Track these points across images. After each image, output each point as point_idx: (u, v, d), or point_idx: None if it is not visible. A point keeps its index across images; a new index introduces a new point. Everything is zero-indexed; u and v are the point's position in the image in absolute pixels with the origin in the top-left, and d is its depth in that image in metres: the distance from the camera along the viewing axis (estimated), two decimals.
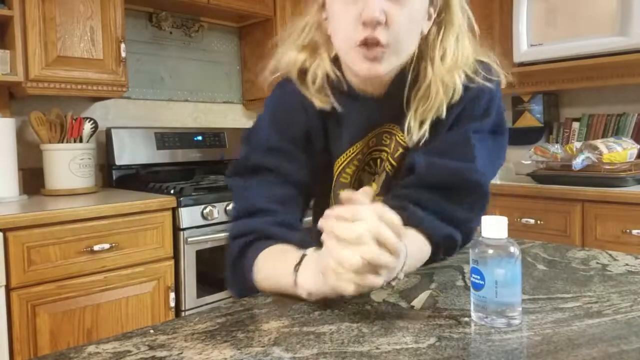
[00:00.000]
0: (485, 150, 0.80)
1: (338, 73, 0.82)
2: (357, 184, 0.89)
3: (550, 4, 2.24)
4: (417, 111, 0.79)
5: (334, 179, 0.89)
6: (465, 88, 0.78)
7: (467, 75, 0.78)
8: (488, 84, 0.79)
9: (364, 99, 0.83)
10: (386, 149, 0.86)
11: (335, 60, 0.83)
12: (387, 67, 0.75)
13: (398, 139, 0.85)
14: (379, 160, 0.88)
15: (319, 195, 0.93)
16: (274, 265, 0.72)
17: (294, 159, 0.83)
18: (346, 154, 0.86)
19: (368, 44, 0.71)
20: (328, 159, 0.88)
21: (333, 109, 0.83)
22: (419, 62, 0.80)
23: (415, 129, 0.79)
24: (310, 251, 0.68)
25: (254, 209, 0.80)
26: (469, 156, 0.78)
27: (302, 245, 0.76)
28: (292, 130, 0.84)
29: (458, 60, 0.78)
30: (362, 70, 0.74)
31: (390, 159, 0.86)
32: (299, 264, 0.66)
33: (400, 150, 0.85)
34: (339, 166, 0.87)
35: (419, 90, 0.79)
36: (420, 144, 0.80)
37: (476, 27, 0.81)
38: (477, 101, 0.80)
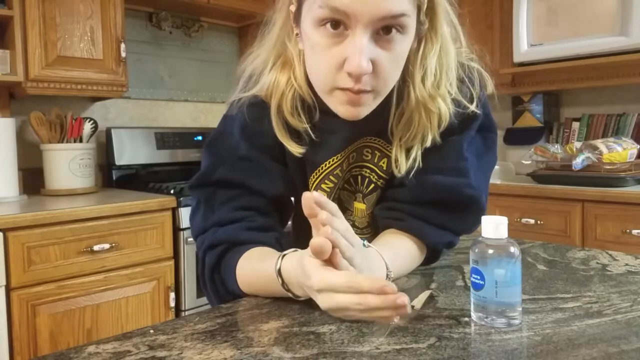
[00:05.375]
0: (476, 159, 0.79)
1: (313, 98, 0.75)
2: (336, 203, 0.82)
3: (550, 4, 2.24)
4: (401, 139, 0.75)
5: None
6: (455, 107, 0.74)
7: (453, 98, 0.74)
8: (474, 92, 0.75)
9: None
10: (369, 164, 0.81)
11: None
12: (370, 109, 0.68)
13: (387, 152, 0.79)
14: (359, 178, 0.82)
15: (297, 211, 0.86)
16: (257, 273, 0.69)
17: (264, 171, 0.77)
18: (321, 168, 0.80)
19: (351, 90, 0.64)
20: (304, 173, 0.82)
21: (309, 119, 0.76)
22: (402, 82, 0.74)
23: (402, 159, 0.75)
24: (289, 256, 0.63)
25: (224, 220, 0.75)
26: (462, 171, 0.76)
27: (279, 244, 0.75)
28: (264, 138, 0.77)
29: (440, 78, 0.72)
30: (342, 113, 0.67)
31: (383, 175, 0.81)
32: (282, 279, 0.62)
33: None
34: (314, 182, 0.81)
35: (402, 117, 0.75)
36: (411, 174, 0.75)
37: (462, 39, 0.76)
38: (465, 118, 0.76)
